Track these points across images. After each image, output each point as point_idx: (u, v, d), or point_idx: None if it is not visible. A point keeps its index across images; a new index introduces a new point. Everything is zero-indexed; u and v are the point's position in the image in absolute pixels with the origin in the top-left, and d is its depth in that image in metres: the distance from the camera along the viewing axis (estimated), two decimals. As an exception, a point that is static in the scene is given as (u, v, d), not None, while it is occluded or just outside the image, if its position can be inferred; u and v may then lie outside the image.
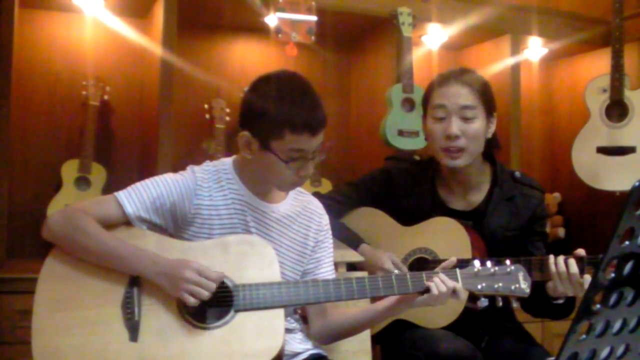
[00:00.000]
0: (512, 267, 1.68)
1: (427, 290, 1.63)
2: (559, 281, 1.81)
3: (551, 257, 1.82)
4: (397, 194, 2.15)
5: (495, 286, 1.65)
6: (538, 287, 1.84)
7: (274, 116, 1.57)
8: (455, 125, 1.99)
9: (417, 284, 1.64)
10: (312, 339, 1.78)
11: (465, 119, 2.00)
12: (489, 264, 1.68)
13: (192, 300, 1.50)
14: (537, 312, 2.03)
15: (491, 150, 2.12)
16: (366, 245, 2.09)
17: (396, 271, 2.01)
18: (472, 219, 2.08)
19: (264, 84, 1.63)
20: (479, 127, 2.01)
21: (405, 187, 2.15)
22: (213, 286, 1.52)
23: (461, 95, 2.00)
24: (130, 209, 1.62)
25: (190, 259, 1.55)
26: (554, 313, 1.93)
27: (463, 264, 1.85)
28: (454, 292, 1.63)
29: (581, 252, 1.84)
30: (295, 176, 1.63)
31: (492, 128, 2.07)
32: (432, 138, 2.06)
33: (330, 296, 1.62)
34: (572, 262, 1.80)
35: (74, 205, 1.68)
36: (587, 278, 1.77)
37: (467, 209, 2.10)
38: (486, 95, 2.04)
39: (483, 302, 1.66)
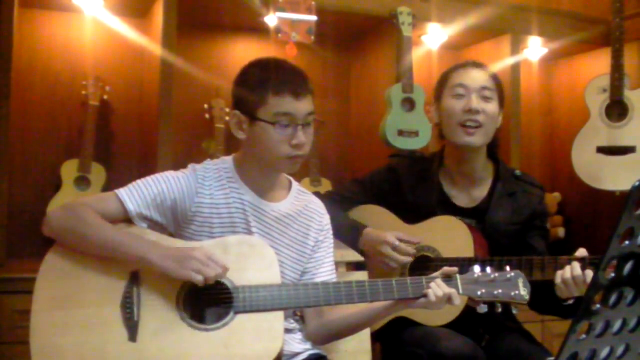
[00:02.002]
0: (512, 274, 1.67)
1: (425, 295, 1.62)
2: (564, 288, 1.80)
3: (558, 274, 1.81)
4: (403, 190, 2.17)
5: (495, 293, 1.65)
6: (548, 288, 1.85)
7: (257, 86, 1.64)
8: (476, 101, 2.05)
9: (417, 289, 1.64)
10: (308, 340, 1.78)
11: (485, 98, 2.07)
12: (489, 270, 1.68)
13: (199, 279, 1.50)
14: (547, 311, 2.03)
15: (494, 148, 2.15)
16: (369, 229, 2.10)
17: (397, 242, 2.02)
18: (475, 215, 2.10)
19: (248, 67, 1.72)
20: (494, 109, 2.08)
21: (411, 183, 2.17)
22: (220, 271, 1.52)
23: (481, 76, 2.10)
24: (131, 206, 1.62)
25: (197, 246, 1.58)
26: (565, 313, 1.93)
27: (465, 263, 1.85)
28: (449, 298, 1.62)
29: (583, 252, 1.84)
30: (288, 145, 1.63)
31: (501, 120, 2.14)
32: (450, 115, 2.09)
33: (330, 299, 1.62)
34: (577, 266, 1.79)
35: (74, 200, 1.68)
36: (590, 274, 1.77)
37: (470, 205, 2.12)
38: (500, 84, 2.13)
39: (483, 308, 1.65)
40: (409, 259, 2.03)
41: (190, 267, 1.50)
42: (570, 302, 1.85)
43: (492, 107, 2.07)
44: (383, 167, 2.29)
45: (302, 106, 1.64)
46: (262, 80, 1.64)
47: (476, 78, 2.09)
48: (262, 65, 1.70)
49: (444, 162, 2.17)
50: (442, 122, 2.14)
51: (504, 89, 2.15)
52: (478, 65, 2.14)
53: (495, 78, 2.12)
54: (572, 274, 1.78)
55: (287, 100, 1.62)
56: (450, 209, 2.11)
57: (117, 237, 1.57)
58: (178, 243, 1.64)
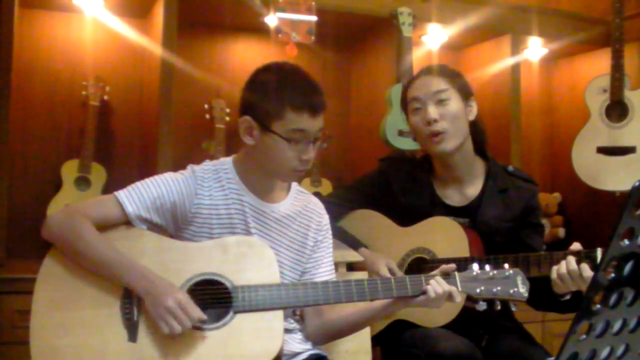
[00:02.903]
0: (511, 271, 1.67)
1: (424, 292, 1.62)
2: (560, 283, 1.81)
3: (554, 269, 1.82)
4: (395, 193, 2.16)
5: (494, 290, 1.65)
6: (544, 285, 1.84)
7: (275, 97, 1.61)
8: (432, 110, 2.04)
9: (416, 287, 1.64)
10: (308, 339, 1.78)
11: (440, 102, 2.05)
12: (487, 267, 1.68)
13: (165, 330, 1.48)
14: (544, 307, 2.03)
15: (482, 145, 2.14)
16: (365, 249, 2.10)
17: (388, 276, 2.00)
18: (467, 213, 2.09)
19: (264, 72, 1.69)
20: (455, 108, 2.05)
21: (402, 185, 2.16)
22: (189, 324, 1.49)
23: (431, 83, 2.07)
24: (130, 208, 1.62)
25: (177, 290, 1.52)
26: (562, 308, 1.93)
27: (462, 262, 1.85)
28: (449, 295, 1.62)
29: (577, 246, 1.84)
30: (297, 160, 1.63)
31: (474, 111, 2.11)
32: (416, 130, 2.10)
33: (329, 298, 1.62)
34: (572, 260, 1.80)
35: (74, 205, 1.68)
36: (584, 267, 1.77)
37: (462, 204, 2.11)
38: (457, 79, 2.10)
39: (481, 306, 1.65)
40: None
41: (160, 315, 1.49)
42: (567, 297, 1.85)
43: (451, 107, 2.04)
44: (373, 171, 2.29)
45: (317, 123, 1.63)
46: (280, 93, 1.61)
47: (427, 86, 2.06)
48: (279, 74, 1.66)
49: (433, 165, 2.16)
50: (415, 138, 2.16)
51: (464, 81, 2.11)
52: (429, 70, 2.11)
53: (449, 75, 2.08)
54: (567, 268, 1.78)
55: (304, 117, 1.60)
56: (442, 209, 2.10)
57: (107, 258, 1.55)
58: (176, 244, 1.64)
